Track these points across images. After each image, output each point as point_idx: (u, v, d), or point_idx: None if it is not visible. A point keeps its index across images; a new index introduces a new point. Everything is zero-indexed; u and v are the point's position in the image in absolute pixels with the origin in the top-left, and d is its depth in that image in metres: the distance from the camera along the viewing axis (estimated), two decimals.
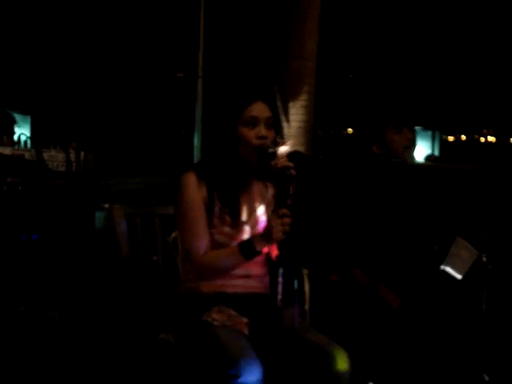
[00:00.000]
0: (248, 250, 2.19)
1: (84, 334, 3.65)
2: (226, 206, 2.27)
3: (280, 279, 2.08)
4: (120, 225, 2.58)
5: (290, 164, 2.14)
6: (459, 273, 2.78)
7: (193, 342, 2.25)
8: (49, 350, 3.46)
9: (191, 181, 2.27)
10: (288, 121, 5.54)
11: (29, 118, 8.82)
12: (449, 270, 2.76)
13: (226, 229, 2.28)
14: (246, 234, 2.29)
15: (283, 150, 2.17)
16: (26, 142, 5.14)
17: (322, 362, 2.14)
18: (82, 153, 4.60)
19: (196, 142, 13.17)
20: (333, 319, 2.75)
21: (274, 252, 2.17)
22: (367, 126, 2.90)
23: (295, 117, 5.75)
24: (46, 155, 4.45)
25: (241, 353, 2.09)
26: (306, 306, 2.58)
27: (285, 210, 2.11)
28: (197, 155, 12.83)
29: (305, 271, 2.63)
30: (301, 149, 5.34)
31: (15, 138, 4.83)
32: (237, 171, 2.29)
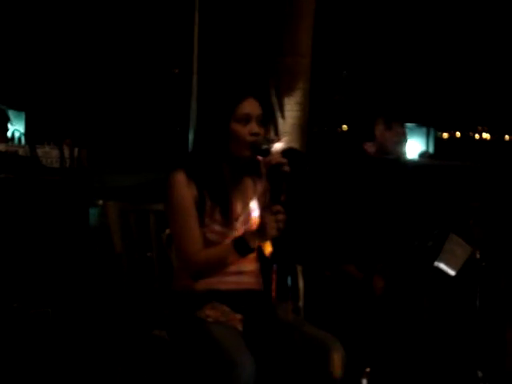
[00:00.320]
0: (242, 247, 2.19)
1: (78, 331, 3.65)
2: (217, 203, 2.26)
3: (274, 276, 2.08)
4: (114, 221, 2.57)
5: (284, 160, 2.13)
6: (453, 269, 2.78)
7: (186, 338, 2.24)
8: (42, 346, 3.45)
9: (180, 179, 2.25)
10: (283, 117, 5.53)
11: (23, 115, 8.80)
12: (442, 266, 2.77)
13: (218, 227, 2.27)
14: (238, 231, 2.28)
15: (278, 146, 2.17)
16: (19, 139, 5.13)
17: (318, 355, 2.14)
18: (76, 149, 4.60)
19: (191, 138, 13.14)
20: (326, 315, 2.75)
21: (268, 249, 2.17)
22: (357, 123, 2.91)
23: (290, 113, 5.72)
24: (39, 151, 4.44)
25: (234, 349, 2.09)
26: (300, 303, 2.58)
27: (278, 207, 2.11)
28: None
29: (299, 267, 2.63)
30: (295, 145, 5.33)
31: (9, 134, 4.83)
32: (227, 168, 2.29)
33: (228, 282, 2.30)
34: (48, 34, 18.80)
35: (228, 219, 2.27)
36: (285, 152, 2.16)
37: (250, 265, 2.33)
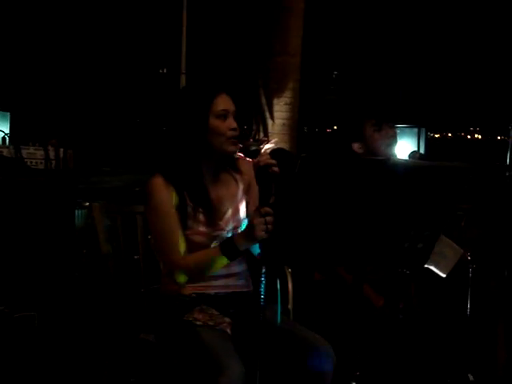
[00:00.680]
0: (230, 250, 2.16)
1: (64, 335, 3.60)
2: (198, 204, 2.23)
3: (262, 278, 2.06)
4: (100, 223, 2.54)
5: (273, 162, 2.11)
6: (443, 271, 2.77)
7: (175, 341, 2.22)
8: (28, 351, 3.41)
9: (158, 185, 2.22)
10: (273, 118, 5.51)
11: (8, 115, 8.73)
12: (433, 268, 2.75)
13: (202, 228, 2.24)
14: (223, 230, 2.26)
15: (267, 147, 2.14)
16: (4, 139, 5.08)
17: (308, 357, 2.12)
18: (62, 150, 4.55)
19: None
20: (316, 318, 2.73)
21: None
22: (345, 123, 2.89)
23: (279, 114, 5.71)
24: (24, 152, 4.39)
25: (223, 353, 2.07)
26: (290, 305, 2.56)
27: (267, 209, 2.08)
28: None
29: (288, 270, 2.61)
30: (284, 146, 5.31)
31: None
32: (206, 166, 2.27)
33: (216, 285, 2.28)
34: (33, 35, 18.72)
35: (212, 219, 2.24)
36: (274, 153, 2.13)
37: (237, 266, 2.31)
